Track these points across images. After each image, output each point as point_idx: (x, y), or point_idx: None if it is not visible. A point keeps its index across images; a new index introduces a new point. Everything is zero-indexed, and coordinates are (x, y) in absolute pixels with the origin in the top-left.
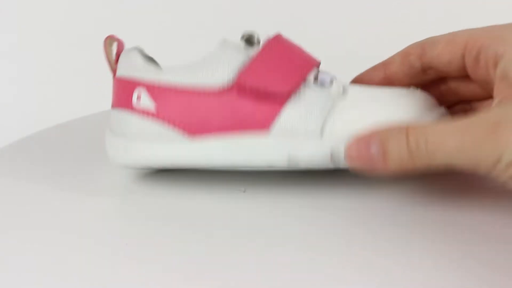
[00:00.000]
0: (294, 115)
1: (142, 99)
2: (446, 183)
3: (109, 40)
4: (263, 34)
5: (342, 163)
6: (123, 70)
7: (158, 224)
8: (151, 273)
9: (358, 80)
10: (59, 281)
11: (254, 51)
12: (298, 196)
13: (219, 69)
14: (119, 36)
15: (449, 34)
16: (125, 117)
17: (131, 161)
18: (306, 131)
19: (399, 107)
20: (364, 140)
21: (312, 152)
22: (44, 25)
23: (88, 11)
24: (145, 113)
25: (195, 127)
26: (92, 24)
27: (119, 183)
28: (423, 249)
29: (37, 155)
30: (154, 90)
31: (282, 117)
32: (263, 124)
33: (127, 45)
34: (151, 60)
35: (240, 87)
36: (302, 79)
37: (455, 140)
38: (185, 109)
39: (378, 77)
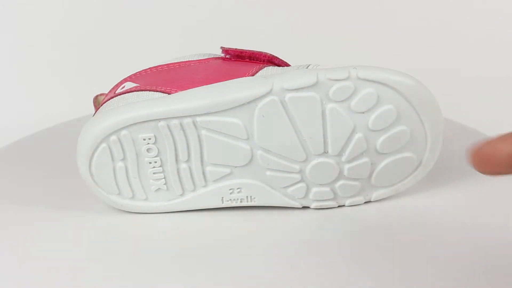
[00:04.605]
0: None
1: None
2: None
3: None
4: (262, 34)
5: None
6: None
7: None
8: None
9: None
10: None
11: None
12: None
13: None
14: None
15: None
16: None
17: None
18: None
19: None
20: None
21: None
22: (44, 25)
23: (88, 11)
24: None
25: (176, 86)
26: (93, 24)
27: None
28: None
29: (37, 156)
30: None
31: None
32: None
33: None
34: None
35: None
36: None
37: None
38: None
39: None
